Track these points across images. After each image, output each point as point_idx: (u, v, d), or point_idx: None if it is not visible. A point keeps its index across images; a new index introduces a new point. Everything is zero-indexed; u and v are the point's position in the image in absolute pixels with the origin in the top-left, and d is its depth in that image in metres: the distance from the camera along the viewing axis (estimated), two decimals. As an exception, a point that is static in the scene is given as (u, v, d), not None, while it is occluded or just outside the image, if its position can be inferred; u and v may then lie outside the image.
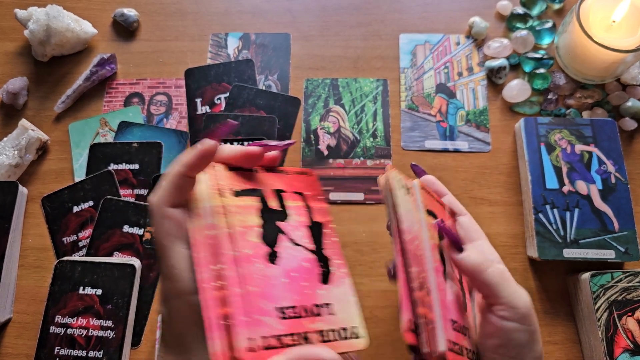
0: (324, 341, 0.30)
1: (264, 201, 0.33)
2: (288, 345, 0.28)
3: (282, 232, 0.33)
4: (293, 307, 0.30)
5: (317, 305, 0.31)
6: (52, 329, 0.51)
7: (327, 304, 0.32)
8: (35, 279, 0.56)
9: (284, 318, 0.29)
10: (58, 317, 0.52)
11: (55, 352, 0.51)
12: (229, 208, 0.31)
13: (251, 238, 0.31)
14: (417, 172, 0.42)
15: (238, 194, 0.32)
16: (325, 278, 0.33)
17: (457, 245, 0.37)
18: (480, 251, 0.38)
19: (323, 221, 0.35)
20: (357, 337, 0.31)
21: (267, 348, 0.28)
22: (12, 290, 0.55)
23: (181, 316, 0.29)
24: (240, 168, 0.33)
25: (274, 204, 0.33)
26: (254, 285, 0.29)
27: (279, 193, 0.34)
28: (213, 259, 0.29)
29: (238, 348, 0.27)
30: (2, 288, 0.54)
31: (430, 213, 0.38)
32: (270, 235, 0.32)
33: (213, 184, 0.31)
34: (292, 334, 0.29)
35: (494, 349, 0.36)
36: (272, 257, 0.31)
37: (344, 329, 0.31)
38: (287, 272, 0.31)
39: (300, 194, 0.35)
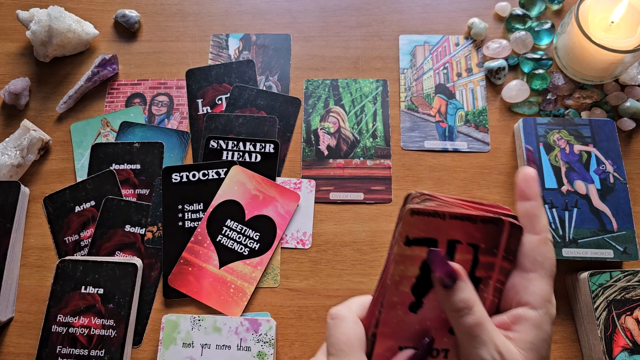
0: None
1: None
2: None
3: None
4: (415, 348, 0.35)
5: (435, 349, 0.35)
6: (54, 328, 0.52)
7: (446, 350, 0.35)
8: (37, 279, 0.56)
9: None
10: (60, 317, 0.52)
11: (57, 351, 0.51)
12: (396, 257, 0.35)
13: (403, 288, 0.35)
14: (530, 158, 0.40)
15: (409, 242, 0.35)
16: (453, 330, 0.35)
17: (449, 278, 0.33)
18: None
19: (483, 276, 0.36)
20: None
21: None
22: (14, 289, 0.56)
23: None
24: (426, 213, 0.35)
25: None
26: (387, 327, 0.35)
27: (453, 244, 0.36)
28: (376, 304, 0.36)
29: None
30: (4, 287, 0.54)
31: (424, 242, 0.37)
32: (422, 288, 0.35)
33: (399, 231, 0.35)
34: None
35: None
36: (415, 307, 0.35)
37: None
38: (423, 321, 0.35)
39: (475, 246, 0.36)
